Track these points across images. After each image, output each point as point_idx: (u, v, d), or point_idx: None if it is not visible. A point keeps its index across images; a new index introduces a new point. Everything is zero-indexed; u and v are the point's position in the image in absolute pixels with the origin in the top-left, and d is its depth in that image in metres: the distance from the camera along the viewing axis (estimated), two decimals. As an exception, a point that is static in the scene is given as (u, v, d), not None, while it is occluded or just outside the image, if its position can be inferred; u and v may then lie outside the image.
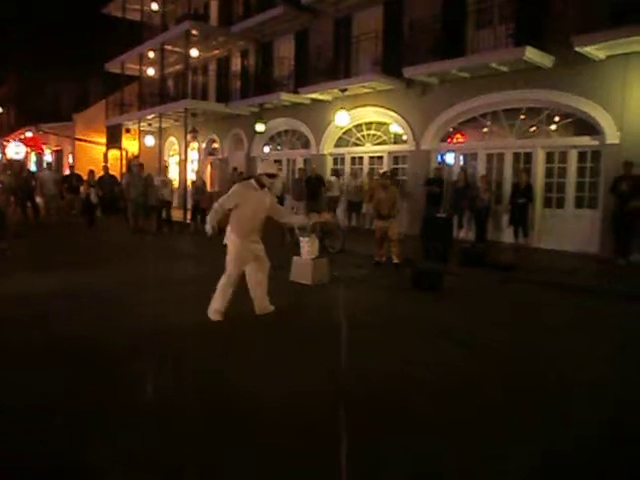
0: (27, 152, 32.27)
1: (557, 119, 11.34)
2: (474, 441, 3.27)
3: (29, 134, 29.69)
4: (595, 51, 9.89)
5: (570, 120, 11.10)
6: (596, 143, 10.63)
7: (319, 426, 3.41)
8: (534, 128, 11.73)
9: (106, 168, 17.18)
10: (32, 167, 31.04)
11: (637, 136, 9.74)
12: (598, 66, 10.20)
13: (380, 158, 15.06)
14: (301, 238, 8.22)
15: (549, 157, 11.52)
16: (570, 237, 10.98)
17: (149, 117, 21.93)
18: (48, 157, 31.04)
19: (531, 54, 10.46)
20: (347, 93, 14.62)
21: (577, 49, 9.82)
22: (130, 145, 24.58)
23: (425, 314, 6.40)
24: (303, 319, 5.97)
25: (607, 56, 10.02)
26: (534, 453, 3.15)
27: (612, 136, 10.16)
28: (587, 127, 10.75)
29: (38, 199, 15.60)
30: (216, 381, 4.13)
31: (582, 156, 11.02)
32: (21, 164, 19.23)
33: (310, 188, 13.99)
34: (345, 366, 4.30)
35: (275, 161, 18.91)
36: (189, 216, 15.76)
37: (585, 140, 10.84)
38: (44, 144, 30.61)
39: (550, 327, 5.93)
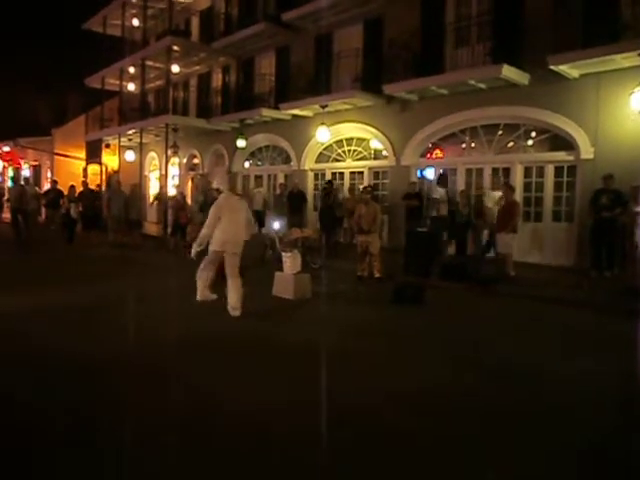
0: (4, 167, 31.86)
1: (534, 135, 11.58)
2: (456, 462, 3.29)
3: (6, 149, 29.31)
4: (569, 70, 10.16)
5: (546, 136, 11.34)
6: (571, 158, 10.86)
7: (298, 442, 3.40)
8: (512, 143, 11.95)
9: (85, 183, 17.00)
10: (8, 182, 30.62)
11: (610, 152, 9.97)
12: (572, 84, 10.46)
13: (361, 174, 15.18)
14: (283, 253, 8.22)
15: (527, 172, 11.71)
16: (548, 250, 11.17)
17: (129, 132, 21.83)
18: (26, 172, 30.66)
19: (508, 72, 10.69)
20: (328, 109, 14.73)
21: (552, 67, 10.08)
22: (110, 160, 24.40)
23: (408, 328, 6.43)
24: (285, 334, 5.95)
25: (581, 75, 10.29)
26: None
27: (586, 152, 10.40)
28: (563, 143, 10.99)
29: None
30: (191, 395, 4.08)
31: (558, 171, 11.24)
32: None
33: (292, 203, 14.02)
34: (328, 381, 4.30)
35: (256, 177, 18.99)
36: (169, 232, 15.63)
37: (561, 155, 11.08)
38: (22, 159, 30.21)
39: (531, 341, 6.01)
